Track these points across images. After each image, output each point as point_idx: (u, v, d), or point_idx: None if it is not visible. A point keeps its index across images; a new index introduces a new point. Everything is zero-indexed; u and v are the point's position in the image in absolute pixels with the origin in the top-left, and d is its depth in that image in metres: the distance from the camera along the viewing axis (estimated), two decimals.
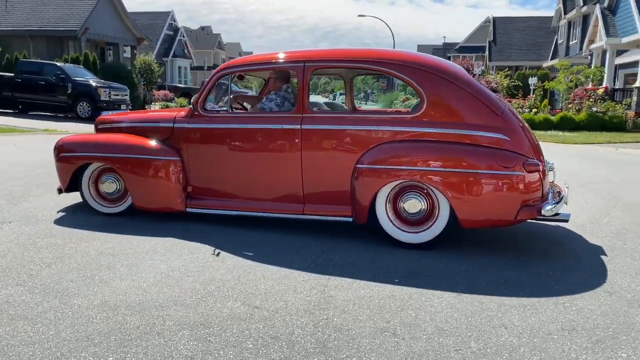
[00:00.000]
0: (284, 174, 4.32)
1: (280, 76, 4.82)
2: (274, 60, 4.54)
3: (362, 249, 3.99)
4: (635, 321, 2.82)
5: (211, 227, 4.54)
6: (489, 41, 38.46)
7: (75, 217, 4.81)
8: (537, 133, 16.34)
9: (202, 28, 65.59)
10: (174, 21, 42.33)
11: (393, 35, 37.80)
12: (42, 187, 6.03)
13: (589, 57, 25.64)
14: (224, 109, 4.74)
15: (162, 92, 27.17)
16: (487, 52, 38.05)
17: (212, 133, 4.59)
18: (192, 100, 4.74)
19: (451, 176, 3.79)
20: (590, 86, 20.32)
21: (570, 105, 19.63)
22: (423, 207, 3.98)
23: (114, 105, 17.26)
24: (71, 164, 4.91)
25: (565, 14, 31.29)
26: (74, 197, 5.48)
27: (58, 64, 18.13)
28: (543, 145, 4.30)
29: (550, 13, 35.77)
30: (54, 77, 17.11)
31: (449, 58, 49.76)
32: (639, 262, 3.83)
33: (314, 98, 5.96)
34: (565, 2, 31.54)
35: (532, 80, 22.90)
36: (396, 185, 4.01)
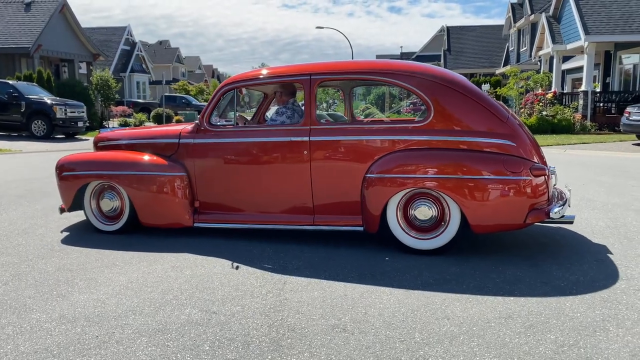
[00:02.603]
0: (293, 185, 4.37)
1: (287, 90, 4.90)
2: (279, 74, 4.64)
3: (318, 253, 4.14)
4: (565, 307, 3.06)
5: (172, 238, 4.61)
6: (443, 50, 39.57)
7: (30, 235, 4.80)
8: None
9: (160, 42, 64.97)
10: (131, 36, 41.84)
11: (351, 46, 38.49)
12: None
13: (539, 63, 26.73)
14: (230, 123, 4.80)
15: (120, 108, 26.81)
16: (442, 61, 39.09)
17: (219, 147, 4.61)
18: (198, 116, 4.72)
19: (461, 183, 3.89)
20: (540, 91, 21.19)
21: (522, 110, 20.41)
22: (434, 214, 4.06)
23: (70, 123, 16.98)
24: (74, 182, 4.89)
25: (514, 22, 32.53)
26: (30, 216, 5.45)
27: (10, 82, 17.69)
28: None
29: (502, 22, 37.12)
30: (6, 96, 16.70)
31: None
32: (576, 254, 4.12)
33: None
34: (515, 11, 32.83)
35: (485, 87, 23.76)
36: (407, 193, 4.08)
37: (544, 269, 3.74)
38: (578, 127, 18.44)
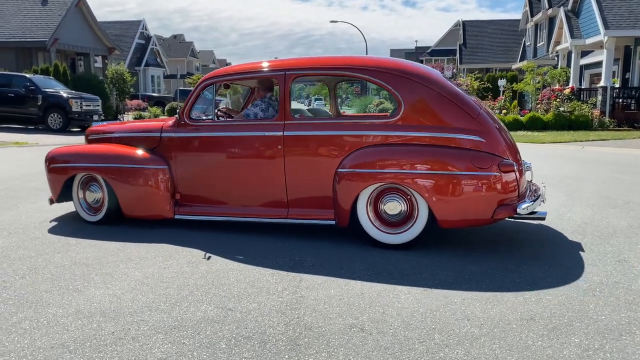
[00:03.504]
0: (268, 179, 4.44)
1: (264, 85, 4.96)
2: (256, 69, 4.71)
3: (334, 250, 4.10)
4: (588, 309, 2.98)
5: (187, 232, 4.60)
6: (459, 44, 39.17)
7: (47, 228, 4.81)
8: None
9: (175, 36, 65.21)
10: (146, 30, 42.04)
11: (365, 40, 38.22)
12: (13, 199, 6.00)
13: (556, 58, 26.35)
14: (210, 117, 4.85)
15: (135, 102, 26.97)
16: (457, 55, 38.73)
17: (198, 141, 4.72)
18: (178, 110, 4.84)
19: (428, 178, 3.92)
20: (557, 87, 20.88)
21: (538, 106, 20.15)
22: (403, 209, 4.09)
23: (86, 116, 17.10)
24: (62, 174, 5.05)
25: (532, 16, 32.08)
26: (47, 209, 5.48)
27: (27, 75, 17.87)
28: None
29: (518, 16, 36.64)
30: (23, 89, 16.88)
31: (421, 61, 50.50)
32: (596, 254, 4.02)
33: (294, 105, 6.23)
34: (532, 5, 32.36)
35: (501, 82, 23.43)
36: (376, 188, 4.12)
37: (564, 269, 3.66)
38: (596, 123, 18.16)
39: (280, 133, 4.36)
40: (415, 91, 4.10)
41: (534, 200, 4.04)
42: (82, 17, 25.94)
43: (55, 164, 5.13)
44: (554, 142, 14.14)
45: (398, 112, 4.10)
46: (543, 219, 4.13)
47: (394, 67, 4.26)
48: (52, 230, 4.75)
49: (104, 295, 3.22)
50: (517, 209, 3.87)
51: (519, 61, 33.81)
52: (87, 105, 17.36)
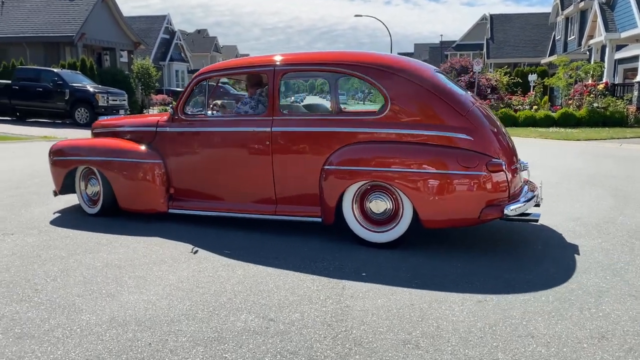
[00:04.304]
0: (256, 175, 4.41)
1: (255, 81, 4.90)
2: (248, 65, 4.77)
3: (373, 254, 3.88)
4: None
5: (218, 233, 4.43)
6: (486, 39, 38.43)
7: (78, 226, 4.69)
8: (539, 130, 16.31)
9: (199, 31, 65.51)
10: (170, 25, 42.20)
11: (390, 35, 37.78)
12: (42, 196, 5.92)
13: (588, 52, 25.60)
14: (202, 112, 4.84)
15: (160, 96, 27.08)
16: (485, 50, 38.00)
17: (190, 136, 4.73)
18: (172, 105, 4.86)
19: (412, 177, 3.82)
20: (590, 82, 20.24)
21: (570, 102, 19.57)
22: (388, 207, 4.00)
23: (112, 111, 17.15)
24: (63, 167, 5.17)
25: (562, 10, 31.23)
26: (77, 207, 5.37)
27: (55, 70, 18.01)
28: (546, 143, 4.23)
29: (547, 9, 35.76)
30: (51, 84, 17.01)
31: (446, 56, 49.71)
32: None
33: (311, 99, 6.06)
34: None
35: (532, 77, 22.83)
36: (362, 186, 4.04)
37: (629, 280, 3.38)
38: (632, 120, 17.54)
39: (269, 129, 4.31)
40: (401, 87, 4.00)
41: (527, 202, 3.89)
42: (109, 11, 26.11)
43: (57, 157, 5.25)
44: (588, 139, 13.67)
45: (385, 109, 4.01)
46: (536, 221, 3.99)
47: (381, 62, 4.15)
48: (82, 229, 4.63)
49: (138, 301, 3.06)
50: (505, 210, 3.71)
51: (548, 56, 33.00)
52: (113, 100, 17.42)
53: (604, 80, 20.50)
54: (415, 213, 3.87)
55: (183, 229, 4.58)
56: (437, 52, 59.56)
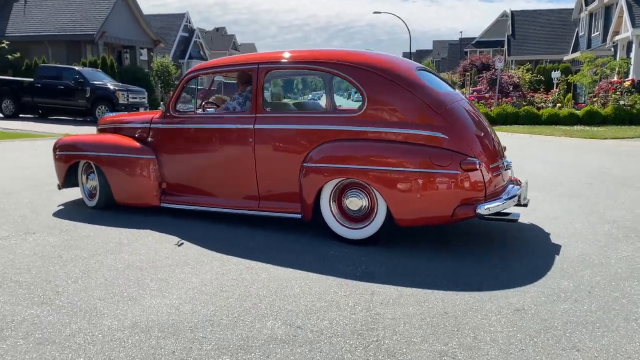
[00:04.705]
0: (240, 171, 4.50)
1: (241, 79, 4.99)
2: (235, 63, 4.91)
3: (404, 257, 3.74)
4: None
5: (238, 232, 4.33)
6: (507, 35, 37.86)
7: (100, 226, 4.64)
8: (562, 128, 15.95)
9: (217, 29, 65.77)
10: (189, 23, 42.41)
11: (409, 32, 37.37)
12: (64, 194, 5.89)
13: (613, 48, 25.01)
14: (192, 109, 5.00)
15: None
16: (505, 47, 37.44)
17: (180, 132, 4.86)
18: (164, 102, 4.92)
19: (385, 174, 3.83)
20: (615, 79, 19.75)
21: (595, 99, 19.12)
22: (364, 205, 4.02)
23: (132, 108, 17.23)
24: (65, 162, 5.39)
25: (586, 5, 30.60)
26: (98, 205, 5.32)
27: (76, 68, 18.16)
28: (571, 141, 4.05)
29: (570, 5, 35.08)
30: (72, 82, 17.13)
31: (465, 53, 49.15)
32: None
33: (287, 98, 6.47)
34: None
35: (555, 74, 22.36)
36: (339, 183, 4.08)
37: None
38: None
39: (251, 126, 4.40)
40: (379, 86, 4.02)
41: (505, 201, 3.85)
42: (129, 10, 26.27)
43: (59, 152, 5.46)
44: (615, 138, 13.30)
45: (362, 107, 4.04)
46: (514, 221, 3.97)
47: (359, 61, 4.17)
48: (103, 228, 4.57)
49: (160, 305, 2.97)
50: (478, 209, 3.68)
51: (571, 52, 32.38)
52: (133, 98, 17.49)
53: (630, 77, 19.99)
54: (388, 211, 3.87)
55: (206, 229, 4.49)
56: (456, 49, 58.92)
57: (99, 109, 17.02)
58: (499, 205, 3.78)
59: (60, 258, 3.78)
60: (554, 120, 17.45)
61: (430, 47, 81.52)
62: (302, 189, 4.17)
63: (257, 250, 3.95)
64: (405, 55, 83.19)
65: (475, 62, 31.49)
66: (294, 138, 4.25)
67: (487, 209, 3.70)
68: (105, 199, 5.15)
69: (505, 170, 4.20)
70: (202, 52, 44.68)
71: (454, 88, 4.65)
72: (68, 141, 5.53)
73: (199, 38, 43.94)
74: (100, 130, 5.71)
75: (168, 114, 4.92)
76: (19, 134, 13.53)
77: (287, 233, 4.38)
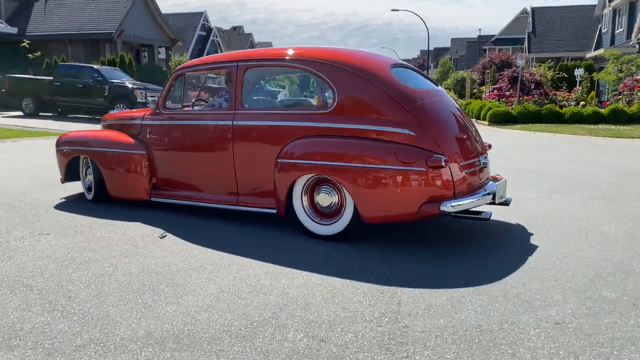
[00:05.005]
0: (221, 167, 4.58)
1: (227, 76, 4.94)
2: (218, 61, 5.03)
3: (428, 263, 3.54)
4: None
5: (259, 233, 4.17)
6: (527, 32, 37.22)
7: (115, 227, 4.52)
8: (587, 127, 15.52)
9: (234, 28, 65.90)
10: (207, 22, 42.49)
11: (428, 29, 36.96)
12: (79, 193, 5.80)
13: (638, 45, 24.36)
14: (179, 106, 5.15)
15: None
16: (526, 44, 36.81)
17: (168, 129, 5.01)
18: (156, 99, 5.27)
19: (351, 171, 3.84)
20: None
21: (619, 97, 18.62)
22: (334, 201, 4.04)
23: (150, 106, 17.21)
24: (65, 157, 5.60)
25: (610, 1, 29.90)
26: (114, 206, 5.22)
27: (95, 66, 18.22)
28: (597, 141, 3.83)
29: (592, 1, 34.33)
30: (91, 80, 17.18)
31: (484, 50, 48.50)
32: None
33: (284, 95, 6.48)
34: None
35: (579, 72, 21.84)
36: (309, 179, 4.11)
37: None
38: None
39: (230, 122, 4.49)
40: (349, 83, 4.03)
41: (475, 199, 3.82)
42: (147, 8, 26.36)
43: (60, 147, 5.68)
44: None
45: (332, 103, 4.07)
46: (486, 219, 3.94)
47: (330, 57, 4.20)
48: (119, 229, 4.45)
49: (176, 313, 2.82)
50: (441, 207, 3.64)
51: (594, 50, 31.69)
52: (151, 96, 17.46)
53: None
54: (355, 207, 3.87)
55: (225, 231, 4.35)
56: (475, 46, 58.24)
57: (117, 107, 17.02)
58: (465, 204, 3.74)
59: (74, 261, 3.66)
60: (578, 119, 17.02)
61: (448, 44, 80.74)
62: (276, 185, 4.21)
63: (277, 252, 3.79)
64: (423, 53, 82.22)
65: (495, 60, 30.99)
66: (268, 134, 4.32)
67: (452, 206, 3.66)
68: (99, 193, 5.32)
69: (483, 167, 4.13)
70: (219, 51, 44.73)
71: (436, 85, 4.66)
72: (68, 137, 5.74)
73: (216, 37, 44.01)
74: (105, 127, 5.83)
75: (157, 111, 5.07)
76: (37, 132, 13.59)
77: (307, 237, 4.20)
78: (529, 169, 7.70)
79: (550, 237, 4.20)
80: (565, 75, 22.01)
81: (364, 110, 3.98)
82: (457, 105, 4.44)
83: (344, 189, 3.91)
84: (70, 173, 5.64)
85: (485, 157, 4.23)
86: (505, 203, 4.35)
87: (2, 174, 7.15)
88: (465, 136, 4.06)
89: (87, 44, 24.01)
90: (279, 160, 4.15)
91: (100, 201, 5.32)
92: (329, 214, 4.09)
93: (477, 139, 4.27)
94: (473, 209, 3.95)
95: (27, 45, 21.91)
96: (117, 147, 5.20)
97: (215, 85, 5.03)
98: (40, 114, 18.09)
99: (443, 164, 3.65)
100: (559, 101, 19.07)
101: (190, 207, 4.96)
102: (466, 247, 3.96)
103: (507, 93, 21.02)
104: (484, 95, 23.59)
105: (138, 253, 3.84)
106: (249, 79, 4.67)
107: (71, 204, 5.38)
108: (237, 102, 4.51)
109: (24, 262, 3.64)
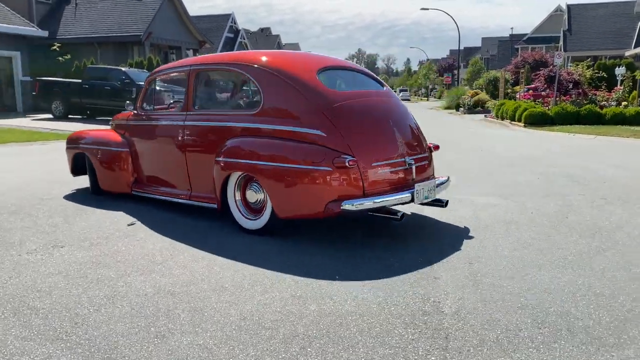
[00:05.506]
0: (178, 164, 4.92)
1: (184, 80, 5.19)
2: (179, 66, 5.32)
3: (476, 287, 3.13)
4: None
5: (280, 253, 3.82)
6: (563, 30, 36.05)
7: (133, 240, 4.23)
8: (631, 128, 14.71)
9: (262, 30, 66.02)
10: (235, 24, 42.53)
11: (458, 28, 36.12)
12: (100, 200, 5.57)
13: None
14: (150, 108, 5.50)
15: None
16: (561, 42, 35.66)
17: (142, 129, 5.44)
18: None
19: (267, 169, 4.07)
20: None
21: None
22: (260, 198, 4.26)
23: None
24: (71, 153, 6.13)
25: None
26: (133, 211, 4.95)
27: (123, 69, 18.20)
28: None
29: None
30: (119, 82, 17.16)
31: (516, 50, 47.30)
32: None
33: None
34: None
35: (620, 71, 20.87)
36: (239, 177, 4.36)
37: None
38: None
39: (182, 123, 4.87)
40: (274, 85, 4.25)
41: (383, 198, 3.87)
42: (175, 10, 26.40)
43: (68, 144, 6.19)
44: None
45: (260, 105, 4.30)
46: (397, 219, 3.97)
47: (259, 61, 4.45)
48: (136, 242, 4.16)
49: (192, 345, 2.49)
50: (342, 205, 3.75)
51: (634, 47, 30.45)
52: (177, 100, 17.36)
53: None
54: None
55: (250, 244, 4.02)
56: (506, 45, 56.96)
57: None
58: (369, 203, 3.80)
59: (86, 278, 3.38)
60: (619, 120, 16.19)
61: (477, 44, 79.29)
62: (214, 182, 4.48)
63: (306, 271, 3.43)
64: (452, 52, 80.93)
65: (528, 59, 30.04)
66: (211, 134, 4.62)
67: (354, 205, 3.75)
68: (94, 186, 5.85)
69: (408, 167, 4.11)
70: None
71: (382, 86, 4.74)
72: (74, 136, 6.25)
73: (243, 39, 44.03)
74: (113, 127, 6.07)
75: (135, 112, 5.55)
76: (65, 135, 13.56)
77: (351, 248, 3.84)
78: (579, 175, 7.17)
79: (616, 254, 3.73)
80: (605, 75, 21.08)
81: (284, 111, 4.19)
82: (395, 107, 4.50)
83: (262, 186, 4.15)
84: (76, 167, 6.13)
85: (415, 158, 4.20)
86: (439, 204, 4.41)
87: (25, 177, 6.99)
88: (386, 138, 4.15)
89: (115, 46, 24.12)
90: (216, 159, 4.41)
91: (96, 194, 5.82)
92: (256, 210, 4.33)
93: (408, 140, 4.30)
94: (393, 207, 4.05)
95: (57, 48, 22.13)
96: (107, 145, 5.68)
97: (183, 88, 5.15)
98: (69, 116, 18.19)
99: (347, 164, 3.76)
100: (598, 101, 18.22)
101: (224, 219, 4.72)
102: (523, 270, 3.53)
103: (543, 93, 20.23)
104: (517, 96, 22.79)
105: (155, 270, 3.53)
106: (199, 82, 4.97)
107: (91, 211, 5.14)
108: (188, 104, 4.89)
109: (32, 279, 3.38)
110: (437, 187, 4.36)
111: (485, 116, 22.68)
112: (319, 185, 3.84)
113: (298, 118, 4.06)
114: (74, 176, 6.24)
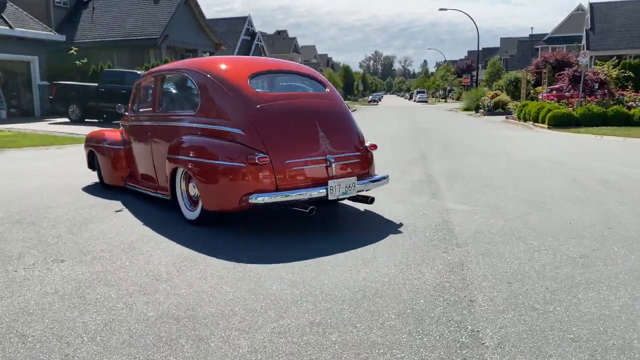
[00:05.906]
0: (148, 160, 5.52)
1: (153, 84, 5.71)
2: (151, 72, 5.86)
3: (513, 312, 2.76)
4: None
5: (302, 272, 3.48)
6: (586, 30, 35.19)
7: (137, 253, 3.93)
8: None
9: (278, 32, 66.00)
10: (251, 26, 42.43)
11: (477, 28, 35.50)
12: (107, 208, 5.29)
13: None
14: (136, 109, 6.00)
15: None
16: (584, 41, 34.82)
17: (130, 128, 6.05)
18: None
19: (195, 165, 4.47)
20: None
21: None
22: (197, 192, 4.54)
23: None
24: (86, 150, 6.87)
25: None
26: (147, 219, 4.66)
27: (138, 72, 18.05)
28: None
29: None
30: None
31: (536, 50, 46.39)
32: None
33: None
34: None
35: None
36: (182, 172, 4.73)
37: None
38: None
39: (149, 123, 5.47)
40: (209, 88, 4.62)
41: (295, 193, 4.11)
42: (191, 13, 26.32)
43: (85, 142, 6.91)
44: None
45: (198, 106, 4.73)
46: (307, 212, 4.08)
47: (199, 66, 4.92)
48: (142, 257, 3.85)
49: None
50: (249, 200, 4.04)
51: None
52: None
53: None
54: None
55: (267, 259, 3.68)
56: (526, 46, 55.98)
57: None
58: (278, 198, 4.06)
59: (83, 299, 3.07)
60: None
61: (495, 44, 78.21)
62: (166, 176, 4.92)
63: (328, 293, 3.08)
64: (470, 53, 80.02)
65: (549, 59, 29.30)
66: (166, 133, 5.09)
67: (262, 199, 4.04)
68: (101, 180, 6.54)
69: (329, 165, 4.33)
70: (263, 55, 44.64)
71: (324, 87, 4.99)
72: (89, 135, 6.91)
73: (260, 41, 43.91)
74: (121, 127, 6.47)
75: (127, 114, 6.14)
76: (81, 139, 13.42)
77: (372, 274, 3.48)
78: (615, 180, 6.71)
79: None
80: (632, 75, 20.35)
81: (214, 112, 4.54)
82: (329, 108, 4.74)
83: (194, 180, 4.50)
84: (92, 163, 6.78)
85: (338, 157, 4.42)
86: (364, 200, 4.68)
87: (34, 183, 6.78)
88: (307, 137, 4.37)
89: (132, 49, 24.10)
90: (167, 155, 4.85)
91: (104, 186, 6.40)
92: (195, 202, 4.66)
93: (335, 140, 4.46)
94: (306, 201, 4.19)
95: (74, 52, 22.15)
96: (107, 143, 6.34)
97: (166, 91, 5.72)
98: (86, 120, 18.11)
99: (257, 160, 4.05)
100: (625, 102, 17.56)
101: (243, 233, 4.38)
102: (570, 291, 3.14)
103: (567, 94, 19.60)
104: (540, 97, 22.15)
105: (159, 290, 3.21)
106: (163, 86, 5.46)
107: (97, 221, 4.86)
108: (155, 106, 5.47)
109: (26, 300, 3.08)
110: (371, 182, 4.62)
111: (507, 118, 22.12)
112: (235, 180, 4.16)
113: (227, 118, 4.41)
114: (93, 171, 6.84)
